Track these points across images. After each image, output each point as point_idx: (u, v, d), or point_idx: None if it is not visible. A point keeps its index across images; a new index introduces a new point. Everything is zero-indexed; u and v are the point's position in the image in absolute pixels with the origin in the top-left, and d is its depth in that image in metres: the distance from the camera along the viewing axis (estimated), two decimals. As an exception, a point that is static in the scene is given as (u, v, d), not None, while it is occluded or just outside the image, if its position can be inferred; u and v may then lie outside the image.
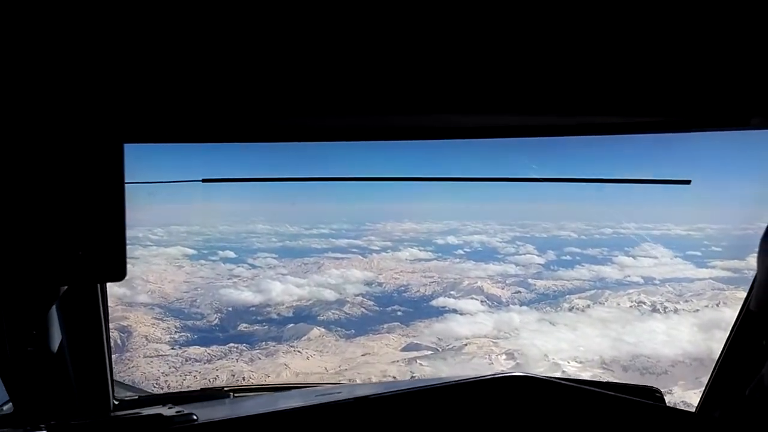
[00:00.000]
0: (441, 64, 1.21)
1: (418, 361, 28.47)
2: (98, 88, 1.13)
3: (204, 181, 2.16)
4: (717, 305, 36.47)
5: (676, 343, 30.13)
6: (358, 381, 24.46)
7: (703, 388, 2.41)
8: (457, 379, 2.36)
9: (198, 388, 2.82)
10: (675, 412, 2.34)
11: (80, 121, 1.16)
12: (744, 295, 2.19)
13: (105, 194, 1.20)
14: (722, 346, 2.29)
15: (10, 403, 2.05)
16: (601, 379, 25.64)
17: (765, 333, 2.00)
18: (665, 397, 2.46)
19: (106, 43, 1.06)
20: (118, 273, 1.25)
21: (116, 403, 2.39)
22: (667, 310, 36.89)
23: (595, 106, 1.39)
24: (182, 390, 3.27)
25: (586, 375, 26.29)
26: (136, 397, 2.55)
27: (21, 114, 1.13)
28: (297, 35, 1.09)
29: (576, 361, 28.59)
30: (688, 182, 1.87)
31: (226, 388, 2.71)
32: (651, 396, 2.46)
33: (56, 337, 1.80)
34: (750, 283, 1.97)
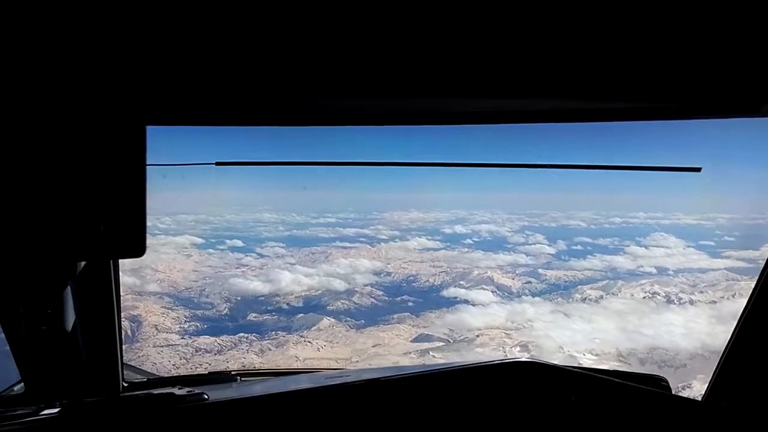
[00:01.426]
0: (449, 48, 1.22)
1: (430, 352, 28.11)
2: (123, 70, 1.16)
3: (217, 164, 2.16)
4: (733, 296, 35.93)
5: (693, 335, 29.63)
6: (371, 373, 24.22)
7: (710, 377, 2.39)
8: (465, 363, 2.38)
9: (206, 372, 2.90)
10: (681, 400, 2.38)
11: (105, 101, 1.16)
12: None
13: (127, 173, 1.20)
14: (730, 335, 2.25)
15: (22, 383, 2.10)
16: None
17: None
18: (683, 392, 2.24)
19: (131, 25, 1.10)
20: (138, 249, 1.25)
21: (125, 385, 2.42)
22: (682, 301, 36.37)
23: (604, 91, 1.38)
24: (190, 374, 3.38)
25: (602, 367, 25.91)
26: (145, 379, 2.58)
27: (47, 92, 1.12)
28: (312, 19, 1.12)
29: (592, 354, 28.11)
30: (698, 170, 1.86)
31: (233, 372, 2.77)
32: (657, 385, 2.47)
33: (70, 317, 1.80)
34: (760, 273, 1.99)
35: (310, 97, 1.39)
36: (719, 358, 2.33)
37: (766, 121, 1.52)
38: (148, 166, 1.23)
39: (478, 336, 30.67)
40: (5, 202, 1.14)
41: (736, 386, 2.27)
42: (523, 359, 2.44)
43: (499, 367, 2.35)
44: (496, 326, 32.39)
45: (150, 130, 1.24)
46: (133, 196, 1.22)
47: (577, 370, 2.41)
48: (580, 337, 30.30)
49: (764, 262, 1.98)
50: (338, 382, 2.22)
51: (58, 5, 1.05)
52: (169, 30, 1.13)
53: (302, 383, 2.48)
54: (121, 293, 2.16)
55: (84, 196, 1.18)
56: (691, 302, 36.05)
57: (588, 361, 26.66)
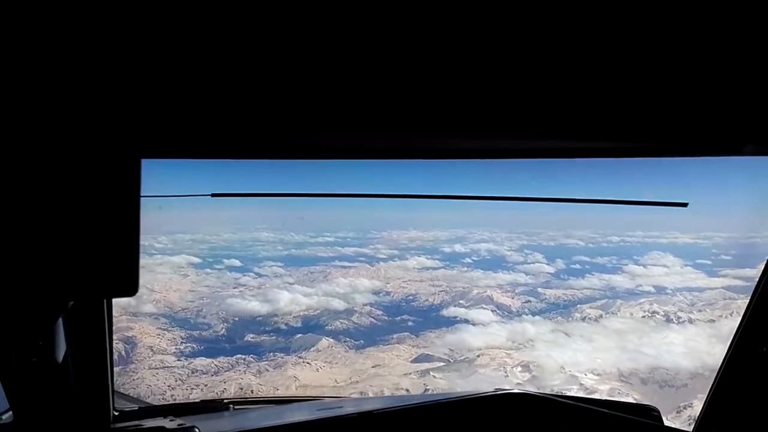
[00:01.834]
0: (440, 90, 1.25)
1: (431, 373, 27.79)
2: (117, 102, 1.16)
3: (213, 195, 2.17)
4: (731, 314, 35.82)
5: (694, 354, 29.44)
6: (371, 394, 23.89)
7: (702, 405, 2.39)
8: (457, 395, 2.43)
9: (198, 400, 2.85)
10: (672, 431, 2.42)
11: (98, 135, 1.15)
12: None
13: (121, 209, 1.19)
14: (721, 360, 2.25)
15: (10, 412, 2.05)
16: (620, 392, 25.14)
17: (764, 341, 2.01)
18: (684, 411, 2.25)
19: (126, 59, 1.09)
20: (131, 288, 1.23)
21: (116, 414, 2.39)
22: (681, 320, 36.24)
23: (589, 131, 1.41)
24: (181, 402, 3.38)
25: (604, 388, 25.71)
26: (136, 408, 2.55)
27: (38, 126, 1.12)
28: (309, 59, 1.14)
29: (593, 374, 27.85)
30: (684, 205, 1.89)
31: (226, 401, 2.75)
32: (648, 415, 2.49)
33: (61, 348, 1.79)
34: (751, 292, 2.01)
35: (306, 135, 1.41)
36: (710, 387, 2.33)
37: (751, 160, 1.56)
38: (142, 197, 1.20)
39: (478, 356, 30.38)
40: None
41: (726, 416, 2.27)
42: (515, 391, 2.46)
43: (491, 399, 2.37)
44: (497, 346, 32.14)
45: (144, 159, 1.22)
46: (127, 233, 1.19)
47: (568, 401, 2.43)
48: (582, 356, 30.05)
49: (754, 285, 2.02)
50: (332, 415, 2.24)
51: (53, 41, 1.03)
52: (167, 64, 1.12)
53: (296, 414, 2.48)
54: (116, 314, 2.14)
55: (77, 235, 1.15)
56: (690, 321, 35.93)
57: (590, 381, 26.47)
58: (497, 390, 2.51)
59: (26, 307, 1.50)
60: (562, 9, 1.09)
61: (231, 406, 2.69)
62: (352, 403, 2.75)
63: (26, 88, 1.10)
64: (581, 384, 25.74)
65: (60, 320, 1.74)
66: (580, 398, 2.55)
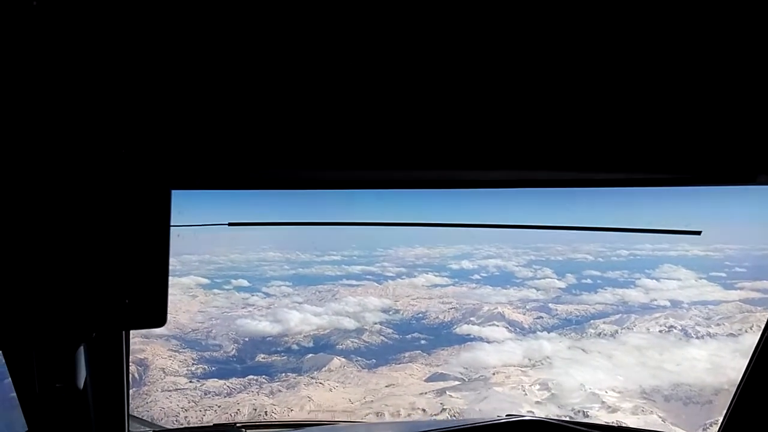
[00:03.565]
0: (442, 125, 1.26)
1: (447, 392, 27.20)
2: (150, 134, 1.16)
3: (230, 224, 2.19)
4: (750, 328, 35.16)
5: (717, 369, 28.77)
6: (387, 414, 23.35)
7: (718, 427, 2.35)
8: (468, 422, 2.43)
9: (211, 424, 2.84)
10: None
11: (131, 166, 1.15)
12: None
13: (151, 240, 1.19)
14: (740, 379, 2.21)
15: None
16: (643, 410, 24.51)
17: None
18: (711, 428, 2.24)
19: (158, 91, 1.12)
20: (160, 319, 1.23)
21: None
22: (699, 334, 35.58)
23: (603, 163, 1.40)
24: (194, 426, 3.30)
25: (626, 406, 25.07)
26: (150, 431, 2.60)
27: (72, 157, 1.11)
28: (329, 99, 1.19)
29: (614, 391, 27.17)
30: (698, 233, 1.90)
31: (238, 424, 2.76)
32: None
33: (82, 373, 1.79)
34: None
35: (325, 167, 1.42)
36: (725, 411, 2.34)
37: (764, 189, 1.57)
38: None
39: (494, 374, 29.79)
40: (28, 274, 1.12)
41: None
42: (528, 418, 2.49)
43: (503, 426, 2.40)
44: (512, 364, 31.51)
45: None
46: (157, 264, 1.19)
47: (580, 427, 2.46)
48: (602, 374, 29.34)
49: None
50: None
51: (89, 73, 1.05)
52: (199, 97, 1.14)
53: None
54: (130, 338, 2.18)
55: (108, 266, 1.15)
56: (711, 335, 35.27)
57: (612, 399, 25.82)
58: (509, 416, 2.53)
59: (55, 336, 1.47)
60: (579, 40, 1.10)
61: (243, 430, 2.72)
62: (364, 429, 2.80)
63: (60, 118, 1.08)
64: (603, 402, 25.11)
65: (82, 346, 1.77)
66: (591, 425, 2.57)
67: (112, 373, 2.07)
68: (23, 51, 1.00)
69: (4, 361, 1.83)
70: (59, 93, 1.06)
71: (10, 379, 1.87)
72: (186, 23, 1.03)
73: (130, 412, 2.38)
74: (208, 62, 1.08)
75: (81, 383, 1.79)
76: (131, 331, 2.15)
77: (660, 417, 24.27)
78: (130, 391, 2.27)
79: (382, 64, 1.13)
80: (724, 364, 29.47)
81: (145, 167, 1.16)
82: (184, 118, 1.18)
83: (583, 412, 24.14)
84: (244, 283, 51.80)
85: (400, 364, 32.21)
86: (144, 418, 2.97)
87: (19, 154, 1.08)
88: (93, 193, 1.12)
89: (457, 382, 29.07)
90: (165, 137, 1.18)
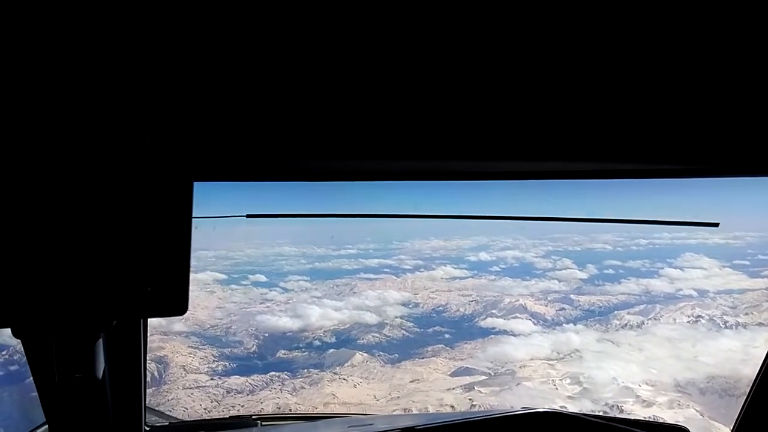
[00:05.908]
0: (456, 116, 1.27)
1: (476, 387, 26.62)
2: (173, 127, 1.20)
3: (248, 216, 2.17)
4: (782, 316, 34.21)
5: (752, 360, 27.86)
6: (414, 411, 22.87)
7: (733, 424, 2.32)
8: (486, 413, 2.49)
9: (227, 416, 2.85)
10: None
11: (156, 159, 1.17)
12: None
13: (174, 230, 1.22)
14: (756, 373, 2.18)
15: (46, 426, 2.09)
16: (679, 404, 23.76)
17: None
18: None
19: (182, 86, 1.16)
20: (181, 307, 1.26)
21: (147, 429, 2.41)
22: (728, 324, 34.65)
23: (621, 153, 1.41)
24: (211, 418, 3.06)
25: (661, 399, 24.33)
26: (167, 423, 2.61)
27: (96, 149, 1.14)
28: (350, 91, 1.22)
29: (648, 384, 26.38)
30: (716, 225, 1.90)
31: (254, 416, 2.80)
32: None
33: (100, 364, 1.79)
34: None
35: (344, 158, 1.42)
36: (741, 407, 2.31)
37: None
38: None
39: (521, 368, 29.17)
40: (51, 262, 1.12)
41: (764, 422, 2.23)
42: (545, 409, 2.47)
43: (521, 417, 2.39)
44: (539, 357, 30.87)
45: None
46: (180, 254, 1.21)
47: (598, 420, 2.44)
48: (634, 367, 28.58)
49: None
50: (363, 431, 2.27)
51: (111, 69, 1.08)
52: (221, 92, 1.17)
53: (326, 431, 2.52)
54: (148, 334, 2.15)
55: (131, 256, 1.17)
56: (740, 325, 34.33)
57: (646, 393, 25.07)
58: (525, 408, 2.52)
59: (77, 324, 1.43)
60: (599, 27, 1.09)
61: (260, 422, 2.73)
62: (383, 420, 2.81)
63: (87, 108, 1.11)
64: (637, 396, 24.38)
65: (102, 337, 1.75)
66: (611, 417, 2.55)
67: (130, 365, 2.07)
68: (50, 43, 1.02)
69: (22, 352, 1.79)
70: (88, 84, 1.08)
71: (28, 369, 1.85)
72: (208, 18, 1.05)
73: (148, 406, 2.40)
74: (232, 57, 1.12)
75: (100, 374, 1.79)
76: (149, 327, 2.14)
77: (697, 411, 23.52)
78: (152, 389, 1.95)
79: (398, 58, 1.14)
80: (759, 355, 28.62)
81: (168, 156, 1.16)
82: (203, 112, 1.20)
83: (618, 406, 23.42)
84: (262, 278, 51.58)
85: (423, 358, 31.74)
86: (162, 411, 2.95)
87: (44, 142, 1.09)
88: (117, 181, 1.12)
89: (483, 377, 28.48)
90: (186, 130, 1.20)
